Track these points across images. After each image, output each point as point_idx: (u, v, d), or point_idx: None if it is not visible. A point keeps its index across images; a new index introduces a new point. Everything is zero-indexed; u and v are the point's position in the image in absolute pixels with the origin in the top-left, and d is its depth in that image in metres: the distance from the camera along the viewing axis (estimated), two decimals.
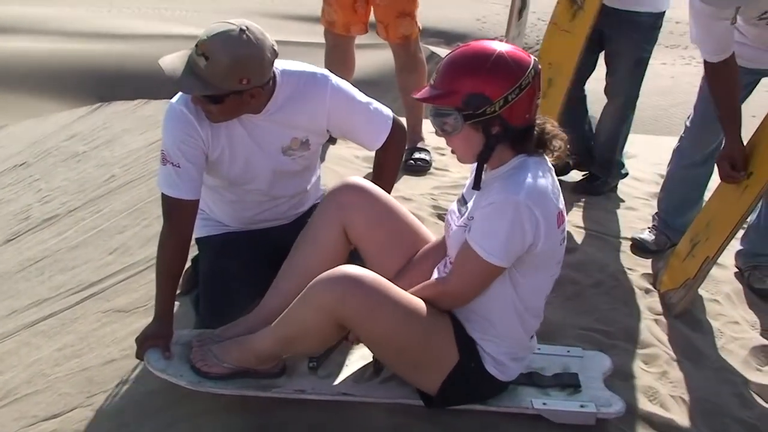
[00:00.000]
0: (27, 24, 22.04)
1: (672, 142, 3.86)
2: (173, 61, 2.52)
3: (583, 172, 4.33)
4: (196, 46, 2.49)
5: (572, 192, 4.15)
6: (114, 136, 6.45)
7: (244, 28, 2.47)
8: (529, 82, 2.18)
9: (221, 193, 2.88)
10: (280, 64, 2.67)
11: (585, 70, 4.04)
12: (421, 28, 4.26)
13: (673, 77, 16.54)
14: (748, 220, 3.58)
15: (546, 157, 2.31)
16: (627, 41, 3.88)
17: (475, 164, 2.28)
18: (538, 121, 2.28)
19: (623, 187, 4.44)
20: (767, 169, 3.14)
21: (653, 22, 3.88)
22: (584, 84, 4.16)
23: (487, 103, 2.16)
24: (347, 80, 4.30)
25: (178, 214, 2.62)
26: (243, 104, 2.58)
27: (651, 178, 4.71)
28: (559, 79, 3.83)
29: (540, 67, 2.22)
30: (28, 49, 19.95)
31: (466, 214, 2.31)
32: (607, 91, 4.08)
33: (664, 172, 3.89)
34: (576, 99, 4.12)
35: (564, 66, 3.83)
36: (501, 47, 2.20)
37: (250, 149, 2.72)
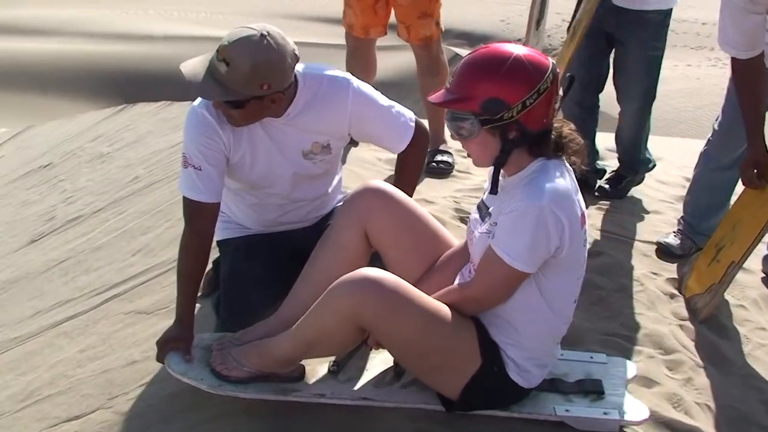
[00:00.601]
0: (53, 26, 22.25)
1: (698, 144, 3.81)
2: (194, 65, 2.52)
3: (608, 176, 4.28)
4: (217, 51, 2.48)
5: (595, 196, 4.11)
6: (138, 137, 6.48)
7: (265, 33, 2.46)
8: (548, 86, 2.15)
9: (242, 195, 2.87)
10: (301, 67, 2.66)
11: (595, 75, 3.97)
12: (443, 29, 4.23)
13: (699, 79, 16.38)
14: None
15: (564, 159, 2.28)
16: (636, 41, 3.80)
17: (492, 169, 2.26)
18: (555, 125, 2.25)
19: (648, 191, 4.39)
20: None
21: (661, 19, 3.80)
22: (598, 91, 4.06)
23: (505, 109, 2.14)
24: (369, 83, 4.30)
25: (199, 217, 2.62)
26: (264, 109, 2.57)
27: (677, 181, 4.66)
28: None
29: (559, 70, 2.19)
30: (53, 50, 20.14)
31: (489, 220, 2.28)
32: (622, 94, 3.97)
33: (690, 175, 3.84)
34: (588, 108, 4.05)
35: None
36: (519, 50, 2.17)
37: (271, 153, 2.71)
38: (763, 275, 3.65)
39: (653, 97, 3.98)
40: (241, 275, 2.79)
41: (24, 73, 18.82)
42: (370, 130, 2.80)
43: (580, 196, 2.26)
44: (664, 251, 3.69)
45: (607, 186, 4.20)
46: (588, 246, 3.55)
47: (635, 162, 4.18)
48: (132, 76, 18.80)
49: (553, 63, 2.18)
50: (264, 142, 2.69)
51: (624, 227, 3.90)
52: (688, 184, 3.88)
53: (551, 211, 2.14)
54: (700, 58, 18.65)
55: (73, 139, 7.57)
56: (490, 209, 2.32)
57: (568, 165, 2.28)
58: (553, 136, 2.24)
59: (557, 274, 2.27)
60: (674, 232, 3.77)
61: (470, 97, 2.16)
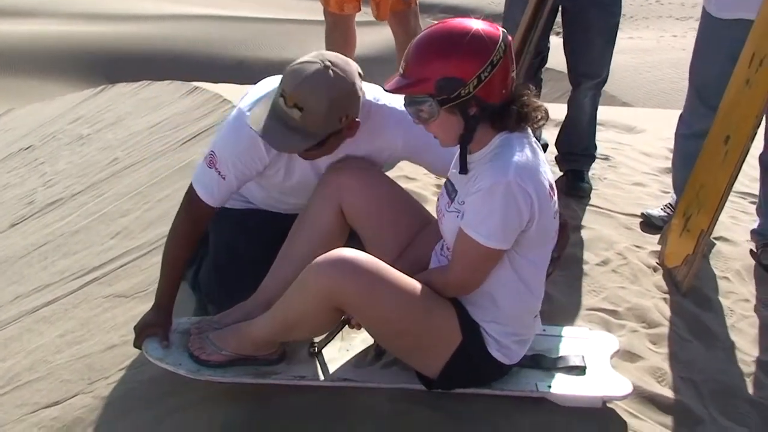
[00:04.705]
0: (34, 6, 22.05)
1: None
2: (261, 118, 2.37)
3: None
4: (283, 96, 2.34)
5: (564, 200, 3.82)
6: (117, 118, 6.43)
7: (328, 63, 2.33)
8: (501, 56, 2.09)
9: (258, 183, 2.77)
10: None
11: (541, 54, 3.75)
12: (417, 2, 4.16)
13: (685, 49, 16.38)
14: None
15: (529, 131, 2.24)
16: (597, 11, 3.59)
17: (458, 147, 2.22)
18: (515, 93, 2.19)
19: (632, 163, 4.37)
20: (745, 132, 3.03)
21: None
22: (541, 67, 3.83)
23: (461, 85, 2.08)
24: (349, 58, 4.25)
25: (199, 212, 2.56)
26: (341, 140, 2.46)
27: (660, 152, 4.64)
28: None
29: (510, 38, 2.14)
30: (37, 32, 19.99)
31: (456, 198, 2.25)
32: (585, 69, 3.75)
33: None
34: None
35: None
36: (466, 24, 2.11)
37: (306, 173, 2.62)
38: (751, 249, 3.61)
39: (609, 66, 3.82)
40: (240, 256, 2.74)
41: (5, 55, 18.66)
42: (417, 160, 2.71)
43: (546, 168, 2.22)
44: (648, 223, 3.67)
45: (572, 191, 3.86)
46: (571, 221, 3.56)
47: (591, 145, 3.98)
48: (117, 56, 18.69)
49: (503, 32, 2.12)
50: (302, 164, 2.59)
51: (607, 200, 3.87)
52: (671, 155, 3.84)
53: (518, 185, 2.10)
54: (685, 29, 18.64)
55: (54, 121, 7.52)
56: (456, 186, 2.28)
57: (533, 138, 2.24)
58: (515, 107, 2.18)
59: (528, 248, 2.24)
60: (663, 205, 3.73)
61: (423, 79, 2.10)
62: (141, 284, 3.33)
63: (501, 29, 2.13)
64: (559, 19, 3.73)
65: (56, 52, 18.87)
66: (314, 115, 2.31)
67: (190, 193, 2.57)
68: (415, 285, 2.26)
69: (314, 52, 2.40)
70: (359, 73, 2.41)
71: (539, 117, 2.22)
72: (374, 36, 13.02)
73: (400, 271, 2.28)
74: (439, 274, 2.33)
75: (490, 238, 2.14)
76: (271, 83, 2.57)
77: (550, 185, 2.21)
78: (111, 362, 2.87)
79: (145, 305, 2.84)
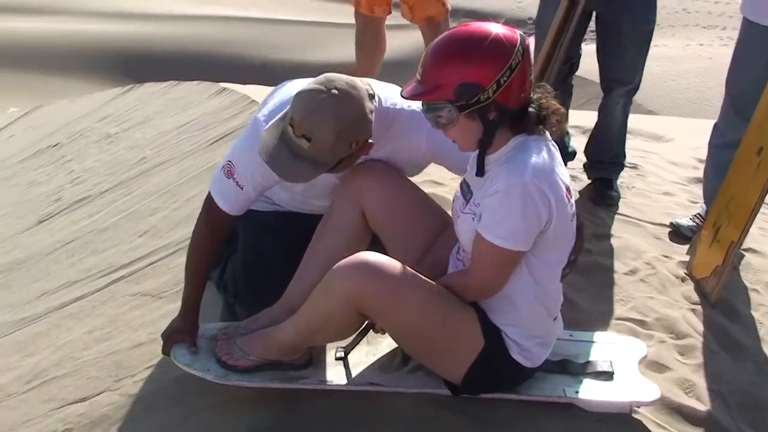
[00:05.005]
0: (62, 6, 22.22)
1: (709, 124, 3.73)
2: (270, 148, 2.35)
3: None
4: (291, 126, 2.31)
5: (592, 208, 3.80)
6: (145, 117, 6.47)
7: (334, 90, 2.29)
8: (519, 60, 2.08)
9: (281, 186, 2.74)
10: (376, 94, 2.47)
11: (572, 59, 3.71)
12: (450, 7, 4.16)
13: (711, 58, 16.27)
14: None
15: (547, 134, 2.22)
16: (631, 17, 3.53)
17: (477, 150, 2.21)
18: (534, 96, 2.19)
19: (661, 172, 4.33)
20: None
21: None
22: (572, 73, 3.78)
23: (480, 91, 2.07)
24: (379, 61, 4.27)
25: (218, 220, 2.56)
26: (354, 160, 2.45)
27: (688, 162, 4.60)
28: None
29: (528, 41, 2.13)
30: (63, 30, 20.13)
31: (472, 200, 2.24)
32: (618, 75, 3.69)
33: (703, 156, 3.76)
34: (563, 90, 3.59)
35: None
36: (485, 28, 2.10)
37: (329, 178, 2.59)
38: None
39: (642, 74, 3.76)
40: (266, 258, 2.74)
41: (33, 54, 18.82)
42: (440, 162, 2.70)
43: (563, 170, 2.22)
44: (677, 233, 3.63)
45: (600, 199, 3.82)
46: (600, 229, 3.54)
47: (621, 153, 3.92)
48: (142, 56, 18.80)
49: (521, 35, 2.11)
50: (325, 176, 2.56)
51: (635, 209, 3.84)
52: (699, 165, 3.81)
53: (535, 186, 2.09)
54: (712, 37, 18.51)
55: (81, 119, 7.58)
56: (472, 188, 2.28)
57: (551, 141, 2.23)
58: (533, 109, 2.17)
59: (544, 250, 2.22)
60: (693, 215, 3.70)
61: (441, 86, 2.09)
62: (168, 283, 3.35)
63: (519, 32, 2.12)
64: (592, 26, 3.71)
65: (83, 51, 19.02)
66: (323, 145, 2.30)
67: (209, 201, 2.56)
68: (437, 289, 2.26)
69: (322, 76, 2.38)
70: (369, 94, 2.38)
71: (558, 120, 2.21)
72: (402, 39, 13.02)
73: (421, 274, 2.28)
74: (459, 278, 2.32)
75: (507, 240, 2.13)
76: (291, 90, 2.53)
77: (567, 187, 2.21)
78: (138, 360, 2.88)
79: (172, 304, 2.84)
